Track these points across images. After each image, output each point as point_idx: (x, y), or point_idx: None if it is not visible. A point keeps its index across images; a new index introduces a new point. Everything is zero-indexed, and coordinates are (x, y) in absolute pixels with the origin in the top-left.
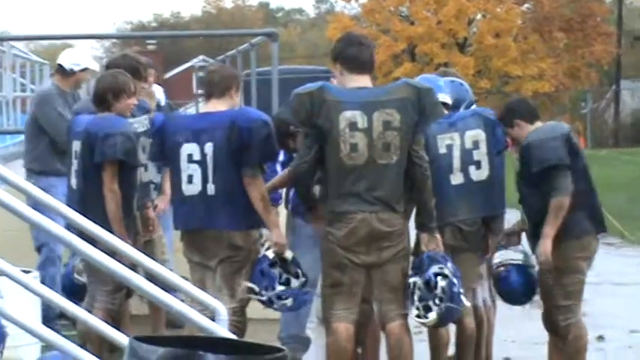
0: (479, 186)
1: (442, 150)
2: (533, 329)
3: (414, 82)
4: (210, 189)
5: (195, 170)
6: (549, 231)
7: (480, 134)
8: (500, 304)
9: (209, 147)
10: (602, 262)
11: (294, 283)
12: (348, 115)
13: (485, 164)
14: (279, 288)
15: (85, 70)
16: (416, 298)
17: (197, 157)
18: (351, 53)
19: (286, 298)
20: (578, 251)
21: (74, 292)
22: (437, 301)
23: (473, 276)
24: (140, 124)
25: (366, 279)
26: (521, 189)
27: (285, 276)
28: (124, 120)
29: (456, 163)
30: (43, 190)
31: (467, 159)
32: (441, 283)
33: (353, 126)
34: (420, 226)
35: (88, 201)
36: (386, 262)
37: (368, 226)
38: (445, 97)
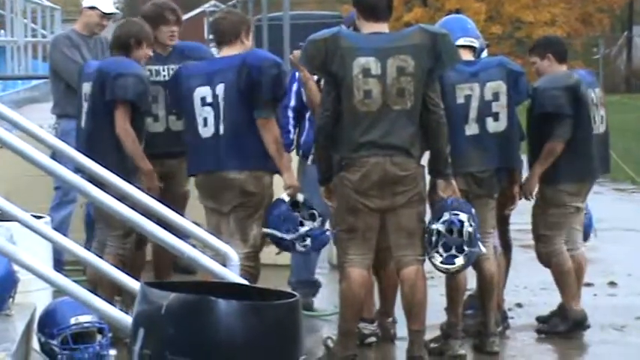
0: (494, 138)
1: (460, 100)
2: (545, 275)
3: (430, 28)
4: (221, 129)
5: (209, 113)
6: (537, 170)
7: (501, 86)
8: (514, 250)
9: (220, 88)
10: (614, 208)
11: (309, 224)
12: (361, 61)
13: (503, 116)
14: (303, 229)
15: (92, 8)
16: (440, 244)
17: (209, 99)
18: (370, 1)
19: (305, 240)
20: (566, 189)
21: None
22: (464, 247)
23: (490, 220)
24: (158, 73)
25: (380, 224)
26: (527, 125)
27: (299, 219)
28: (137, 64)
29: (473, 113)
30: (65, 132)
31: (484, 110)
32: (469, 228)
33: (366, 72)
34: (436, 173)
35: (95, 142)
36: (400, 207)
37: (381, 170)
38: (472, 41)
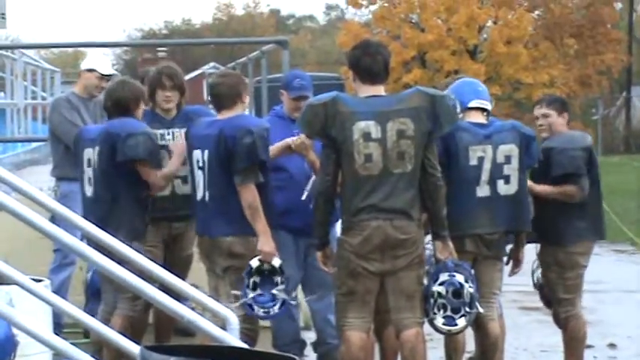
0: (505, 200)
1: (473, 162)
2: (544, 337)
3: (428, 90)
4: (207, 196)
5: (200, 177)
6: (546, 190)
7: (513, 149)
8: (513, 313)
9: (206, 154)
10: (614, 270)
11: (276, 291)
12: (361, 125)
13: (514, 179)
14: (250, 295)
15: (90, 71)
16: (441, 306)
17: (201, 163)
18: (365, 64)
19: (263, 307)
20: (578, 250)
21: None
22: (467, 308)
23: (497, 282)
24: (162, 137)
25: (379, 288)
26: (534, 181)
27: (272, 284)
28: (143, 123)
29: (485, 175)
30: (65, 195)
31: (496, 173)
32: (469, 289)
33: (367, 136)
34: (434, 235)
35: (104, 206)
36: (400, 270)
37: (383, 234)
38: (484, 103)
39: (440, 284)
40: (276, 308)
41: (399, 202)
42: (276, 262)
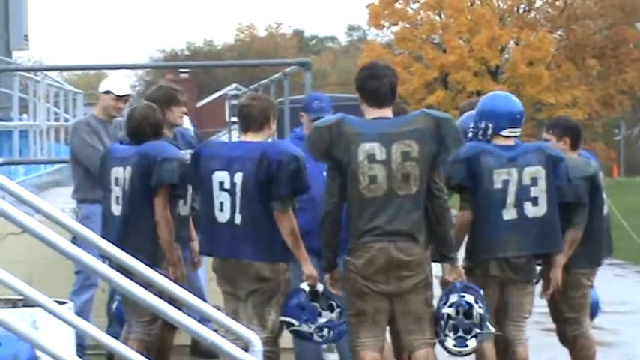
0: (533, 222)
1: (497, 185)
2: (567, 358)
3: (433, 113)
4: (238, 219)
5: (226, 199)
6: (562, 260)
7: (539, 171)
8: (536, 334)
9: (239, 177)
10: (636, 290)
11: (327, 315)
12: (366, 147)
13: (542, 201)
14: (321, 320)
15: (107, 93)
16: (451, 327)
17: (227, 185)
18: (371, 87)
19: (325, 330)
20: (582, 271)
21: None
22: (477, 329)
23: (526, 305)
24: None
25: (389, 307)
26: None
27: (318, 309)
28: (177, 148)
29: (510, 198)
30: (86, 217)
31: (522, 195)
32: (478, 310)
33: (372, 158)
34: (441, 257)
35: (130, 228)
36: (407, 292)
37: (386, 255)
38: (516, 132)
39: (449, 306)
40: (329, 333)
41: (404, 224)
42: (320, 287)
